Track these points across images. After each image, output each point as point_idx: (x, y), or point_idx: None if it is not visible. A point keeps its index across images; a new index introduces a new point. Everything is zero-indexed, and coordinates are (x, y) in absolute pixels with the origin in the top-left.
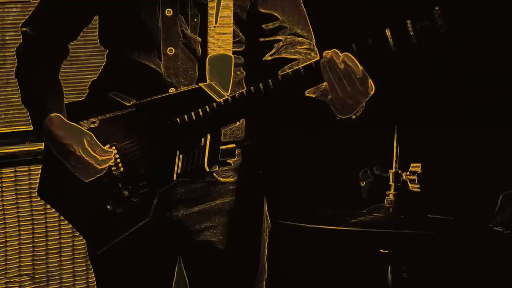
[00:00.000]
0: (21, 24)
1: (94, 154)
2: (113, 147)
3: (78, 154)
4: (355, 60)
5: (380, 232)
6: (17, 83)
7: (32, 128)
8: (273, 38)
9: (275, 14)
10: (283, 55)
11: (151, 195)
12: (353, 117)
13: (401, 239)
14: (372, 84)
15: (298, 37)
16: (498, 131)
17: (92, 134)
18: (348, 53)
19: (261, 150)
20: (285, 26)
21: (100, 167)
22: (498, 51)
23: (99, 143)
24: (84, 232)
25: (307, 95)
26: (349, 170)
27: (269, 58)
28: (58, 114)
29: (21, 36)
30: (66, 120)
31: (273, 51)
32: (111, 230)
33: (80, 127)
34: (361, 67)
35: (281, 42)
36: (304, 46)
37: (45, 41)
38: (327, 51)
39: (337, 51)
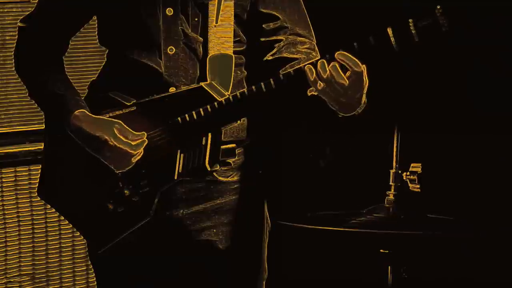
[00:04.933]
0: (19, 20)
1: (127, 141)
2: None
3: (111, 143)
4: (340, 69)
5: (380, 233)
6: (24, 82)
7: (44, 127)
8: (274, 38)
9: (276, 14)
10: (284, 55)
11: (152, 194)
12: (356, 113)
13: (401, 239)
14: (366, 78)
15: (299, 37)
16: (498, 131)
17: (121, 121)
18: (335, 63)
19: (261, 150)
20: (286, 26)
21: (135, 152)
22: (499, 51)
23: (129, 128)
24: (84, 231)
25: (309, 94)
26: (349, 170)
27: (271, 57)
28: (82, 110)
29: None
30: (90, 114)
31: (274, 50)
32: (112, 229)
33: (107, 118)
34: (346, 78)
35: (282, 42)
36: (305, 46)
37: (46, 38)
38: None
39: (324, 61)
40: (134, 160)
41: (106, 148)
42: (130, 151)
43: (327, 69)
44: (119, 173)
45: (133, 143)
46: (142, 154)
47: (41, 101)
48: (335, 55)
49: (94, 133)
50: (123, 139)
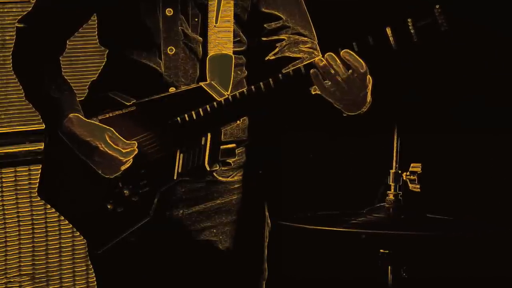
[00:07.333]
0: (17, 20)
1: (117, 148)
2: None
3: (101, 149)
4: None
5: (380, 233)
6: (21, 83)
7: (44, 127)
8: (276, 37)
9: (278, 14)
10: (287, 54)
11: (151, 194)
12: (361, 112)
13: (401, 239)
14: (370, 77)
15: (301, 37)
16: (498, 131)
17: (112, 129)
18: (333, 55)
19: (261, 150)
20: (288, 26)
21: (124, 160)
22: (499, 51)
23: (120, 137)
24: (84, 231)
25: (313, 92)
26: (349, 170)
27: (273, 57)
28: (76, 114)
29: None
30: (84, 118)
31: (276, 50)
32: (112, 229)
33: (100, 124)
34: (349, 71)
35: (284, 42)
36: (307, 45)
37: (43, 38)
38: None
39: (327, 57)
40: (122, 167)
41: (96, 153)
42: (120, 158)
43: (329, 64)
44: (119, 173)
45: (123, 150)
46: (131, 163)
47: (35, 103)
48: (341, 53)
49: (85, 137)
50: (114, 146)
